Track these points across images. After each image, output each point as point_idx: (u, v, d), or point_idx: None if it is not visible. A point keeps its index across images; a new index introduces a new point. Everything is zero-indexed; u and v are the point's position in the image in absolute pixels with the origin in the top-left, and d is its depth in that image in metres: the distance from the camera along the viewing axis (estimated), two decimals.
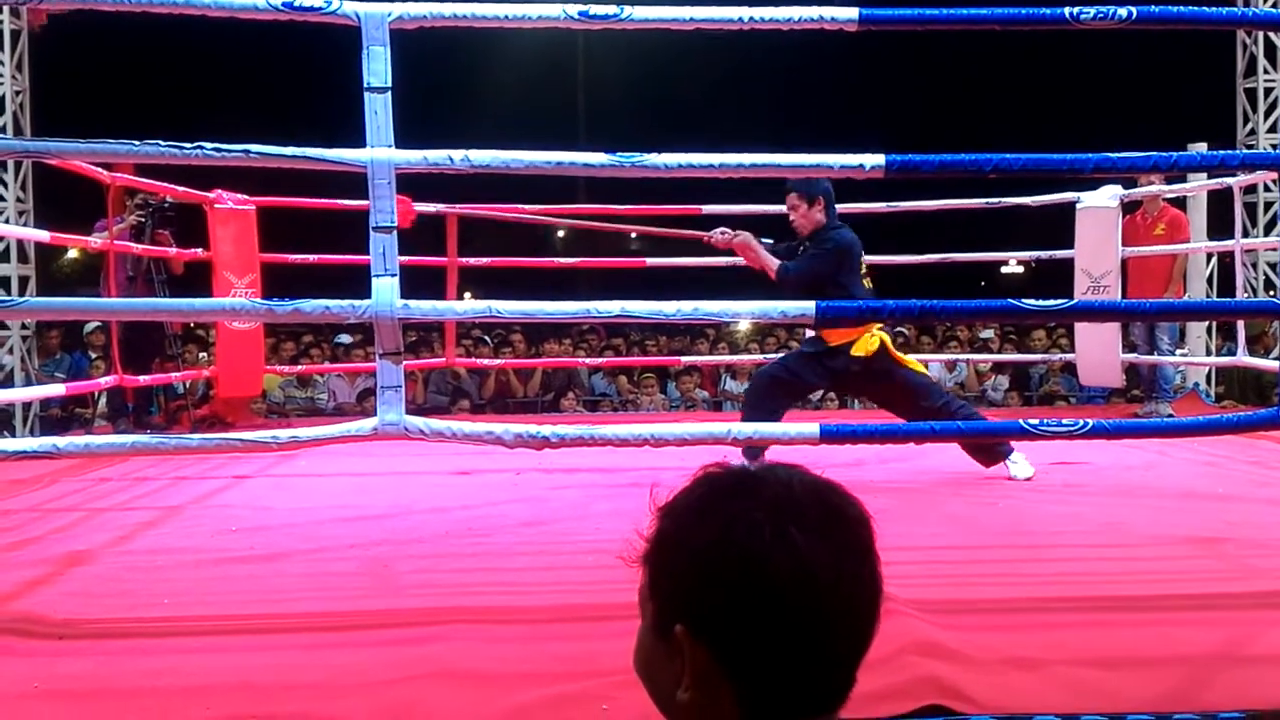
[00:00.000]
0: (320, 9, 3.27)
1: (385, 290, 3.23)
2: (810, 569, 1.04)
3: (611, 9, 3.39)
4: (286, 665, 2.68)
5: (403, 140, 3.37)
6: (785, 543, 1.04)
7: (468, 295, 12.20)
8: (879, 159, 3.36)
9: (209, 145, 3.21)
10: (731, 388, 10.30)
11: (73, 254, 17.63)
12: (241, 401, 7.89)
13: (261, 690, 2.54)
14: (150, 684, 2.57)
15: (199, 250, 7.43)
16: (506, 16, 3.37)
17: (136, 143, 3.24)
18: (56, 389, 6.45)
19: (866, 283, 5.23)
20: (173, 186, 7.00)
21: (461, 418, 7.36)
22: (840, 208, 8.56)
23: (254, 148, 3.26)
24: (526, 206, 8.54)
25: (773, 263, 5.18)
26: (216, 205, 7.32)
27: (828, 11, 3.39)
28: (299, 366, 9.42)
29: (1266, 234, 10.04)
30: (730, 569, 1.04)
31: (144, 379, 6.82)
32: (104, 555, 3.79)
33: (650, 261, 9.41)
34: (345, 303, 3.28)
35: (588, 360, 10.17)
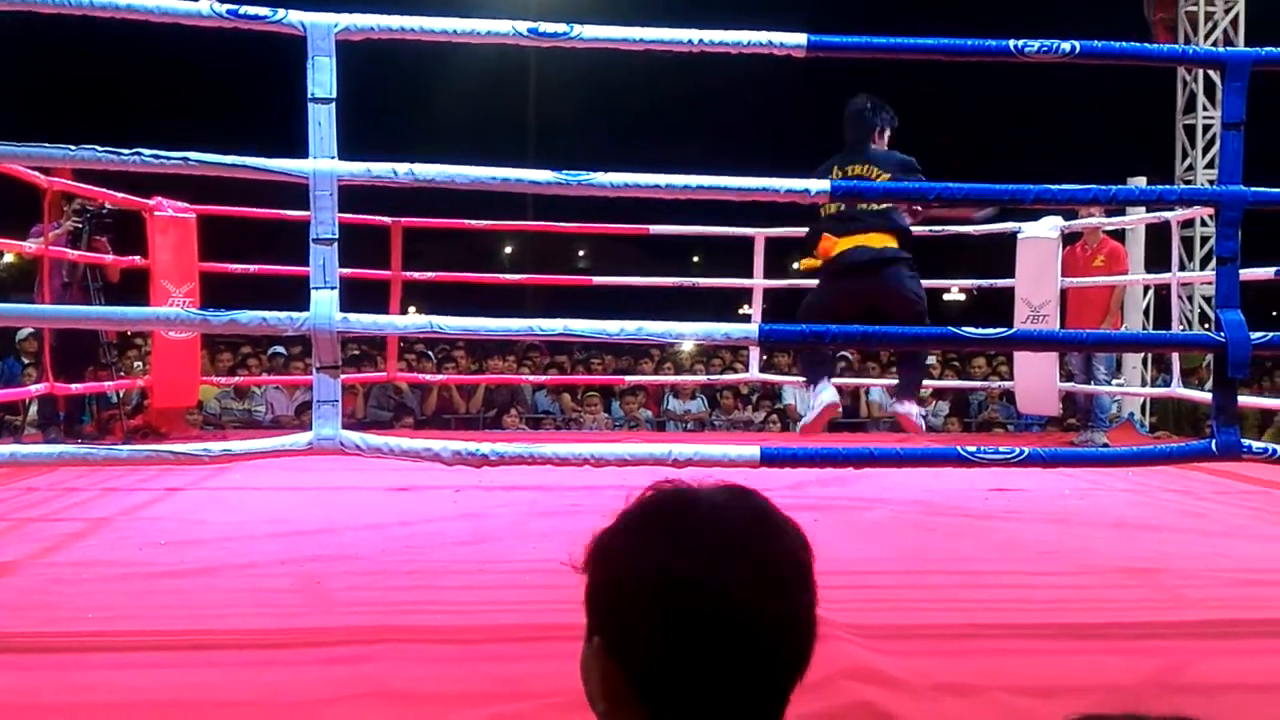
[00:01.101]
0: (265, 18, 3.24)
1: (324, 303, 3.19)
2: (733, 601, 1.01)
3: (561, 28, 3.38)
4: (215, 683, 2.63)
5: (352, 153, 3.33)
6: (710, 574, 1.01)
7: (412, 309, 12.11)
8: (824, 184, 3.39)
9: (147, 151, 3.16)
10: (674, 407, 10.30)
11: (8, 258, 17.30)
12: (176, 412, 7.76)
13: (188, 708, 2.49)
14: (72, 700, 2.51)
15: (137, 258, 7.32)
16: (455, 31, 3.35)
17: (73, 147, 3.17)
18: None
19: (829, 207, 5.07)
20: (112, 193, 6.88)
21: (400, 433, 7.29)
22: (788, 232, 8.66)
23: (193, 155, 3.21)
24: (474, 222, 8.52)
25: None
26: (156, 212, 7.21)
27: (777, 37, 3.41)
28: (236, 378, 9.29)
29: (1202, 268, 10.25)
30: (648, 595, 1.02)
31: (76, 387, 6.68)
32: (28, 567, 3.70)
33: (597, 280, 9.41)
34: (283, 314, 3.23)
35: (531, 377, 10.13)
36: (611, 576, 1.06)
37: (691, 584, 1.01)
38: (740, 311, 15.44)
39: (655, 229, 8.49)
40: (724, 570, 1.01)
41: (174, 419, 7.70)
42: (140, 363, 9.12)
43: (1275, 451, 3.53)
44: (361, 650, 2.78)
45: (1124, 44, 3.51)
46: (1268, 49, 3.47)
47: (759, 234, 8.50)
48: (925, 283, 8.20)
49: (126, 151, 3.17)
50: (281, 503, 5.12)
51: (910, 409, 5.24)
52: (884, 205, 5.00)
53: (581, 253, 28.02)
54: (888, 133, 5.30)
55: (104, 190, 6.82)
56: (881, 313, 4.93)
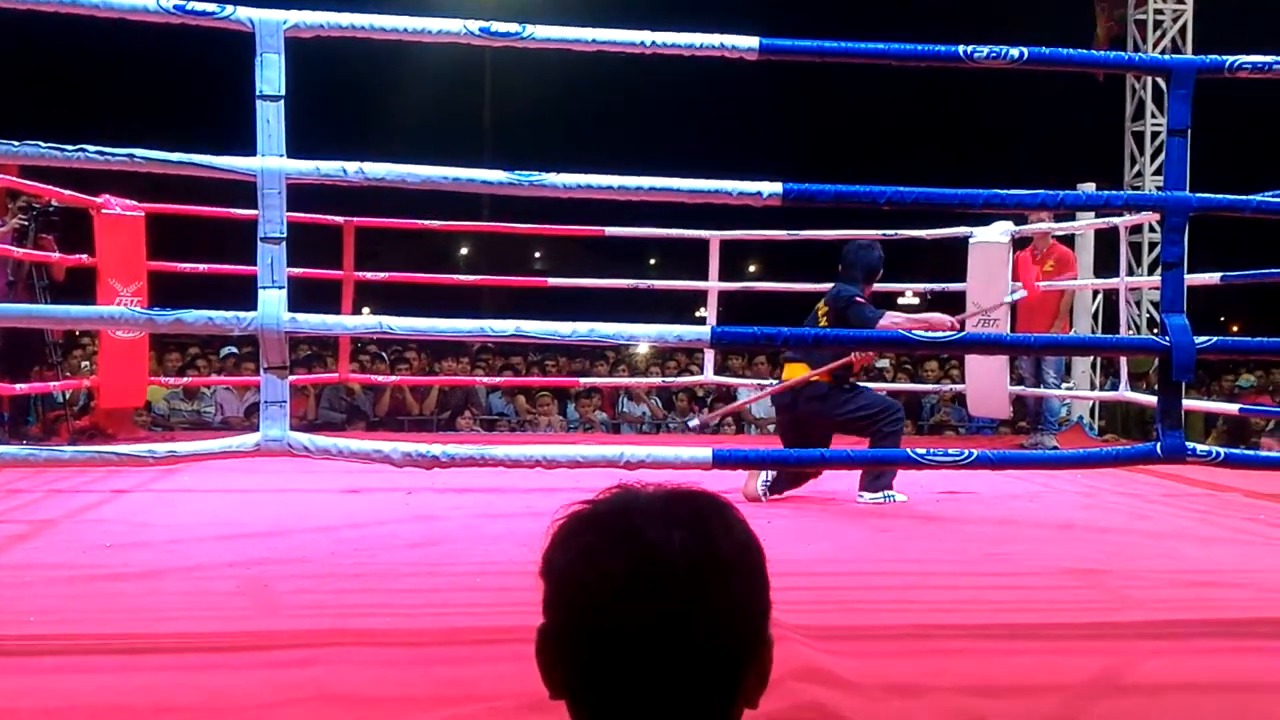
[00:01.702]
0: (213, 14, 3.20)
1: (272, 303, 3.15)
2: (661, 604, 1.01)
3: (513, 28, 3.37)
4: (159, 687, 2.59)
5: (306, 152, 3.30)
6: (639, 577, 1.01)
7: (367, 310, 12.03)
8: (776, 187, 3.39)
9: (91, 148, 3.11)
10: (629, 409, 10.30)
11: None
12: (124, 413, 7.66)
13: (131, 713, 2.45)
14: (11, 705, 2.46)
15: (84, 256, 7.21)
16: (406, 29, 3.33)
17: (15, 143, 3.12)
18: None
19: None
20: (59, 190, 6.78)
21: (351, 435, 7.24)
22: (743, 235, 8.71)
23: (139, 152, 3.16)
24: (429, 222, 8.48)
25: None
26: (104, 210, 7.11)
27: (729, 39, 3.42)
28: (185, 378, 9.17)
29: (1151, 273, 10.38)
30: (579, 596, 1.03)
31: (21, 387, 6.58)
32: None
33: (553, 281, 9.40)
34: (230, 314, 3.19)
35: (485, 379, 10.09)
36: (551, 574, 1.06)
37: (620, 587, 1.01)
38: (697, 314, 15.46)
39: (610, 231, 8.49)
40: (653, 573, 1.01)
41: (121, 420, 7.60)
42: (87, 362, 8.99)
43: (1219, 455, 3.58)
44: (308, 654, 2.75)
45: (1071, 51, 3.55)
46: (1212, 56, 3.52)
47: (714, 236, 8.52)
48: (881, 286, 8.31)
49: (71, 148, 3.13)
50: (229, 505, 5.06)
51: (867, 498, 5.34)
52: None
53: (538, 254, 27.98)
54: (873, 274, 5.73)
55: (50, 187, 6.72)
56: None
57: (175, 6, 3.17)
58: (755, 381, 9.50)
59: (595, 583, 1.02)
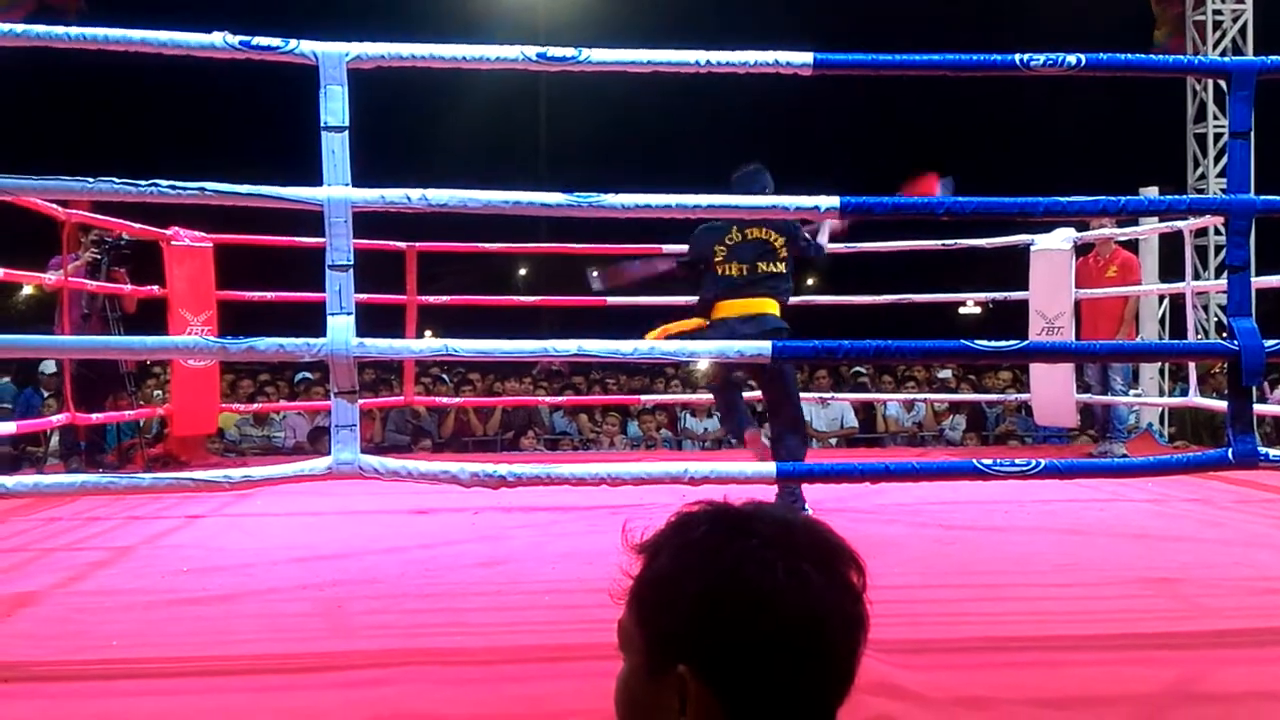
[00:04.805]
0: (278, 48, 3.28)
1: (340, 329, 3.22)
2: (820, 608, 1.04)
3: (569, 51, 3.41)
4: (236, 708, 2.65)
5: (368, 178, 3.37)
6: (797, 581, 1.03)
7: (428, 333, 12.15)
8: (834, 200, 3.40)
9: (164, 182, 3.20)
10: (691, 426, 10.30)
11: (27, 291, 17.45)
12: (197, 440, 7.81)
13: None
14: None
15: (155, 287, 7.38)
16: (465, 58, 3.38)
17: (90, 180, 3.21)
18: (7, 427, 6.34)
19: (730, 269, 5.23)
20: (129, 223, 6.94)
21: (418, 457, 7.32)
22: None
23: (209, 185, 3.25)
24: (488, 245, 8.56)
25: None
26: (173, 242, 7.28)
27: (783, 56, 3.43)
28: (255, 404, 9.34)
29: (1217, 277, 10.20)
30: (742, 607, 1.03)
31: (97, 417, 6.74)
32: (52, 596, 3.73)
33: (611, 301, 9.44)
34: (300, 341, 3.26)
35: (548, 399, 10.16)
36: (698, 602, 1.05)
37: (791, 599, 1.03)
38: None
39: (668, 248, 8.51)
40: (820, 586, 1.05)
41: (194, 447, 7.75)
42: (160, 391, 9.18)
43: None
44: (381, 674, 2.80)
45: (1129, 56, 3.52)
46: (1273, 58, 3.48)
47: None
48: (941, 296, 8.16)
49: (144, 183, 3.21)
50: (301, 528, 5.14)
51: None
52: (780, 269, 5.19)
53: (595, 274, 28.05)
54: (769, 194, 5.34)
55: (121, 221, 6.88)
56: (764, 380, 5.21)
57: (241, 43, 3.26)
58: (815, 395, 9.48)
59: (774, 607, 1.03)
